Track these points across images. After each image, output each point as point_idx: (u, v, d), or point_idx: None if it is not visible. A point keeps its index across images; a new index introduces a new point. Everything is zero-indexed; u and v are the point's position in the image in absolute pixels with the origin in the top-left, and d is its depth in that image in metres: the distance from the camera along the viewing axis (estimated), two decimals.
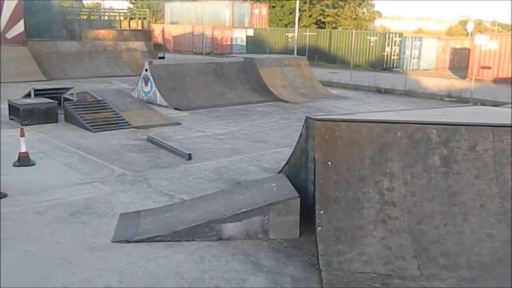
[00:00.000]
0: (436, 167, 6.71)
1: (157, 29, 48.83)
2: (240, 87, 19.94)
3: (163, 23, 56.81)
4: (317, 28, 50.07)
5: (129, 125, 13.82)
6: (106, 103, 14.66)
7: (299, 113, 16.46)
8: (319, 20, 55.79)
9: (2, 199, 8.02)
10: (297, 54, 30.33)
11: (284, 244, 6.77)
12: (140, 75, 19.08)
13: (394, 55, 34.69)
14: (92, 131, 13.13)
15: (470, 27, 34.58)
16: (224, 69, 20.28)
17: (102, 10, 45.64)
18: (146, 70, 18.33)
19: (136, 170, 9.99)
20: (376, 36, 35.62)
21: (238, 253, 6.45)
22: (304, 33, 37.73)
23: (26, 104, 14.00)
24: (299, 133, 7.74)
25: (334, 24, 55.07)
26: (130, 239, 6.75)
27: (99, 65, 28.00)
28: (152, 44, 33.20)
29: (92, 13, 42.70)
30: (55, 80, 23.43)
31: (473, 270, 5.92)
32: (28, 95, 15.29)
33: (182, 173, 9.89)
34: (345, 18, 55.99)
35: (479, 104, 18.29)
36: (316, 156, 6.97)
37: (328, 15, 55.64)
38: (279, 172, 8.55)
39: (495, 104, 17.24)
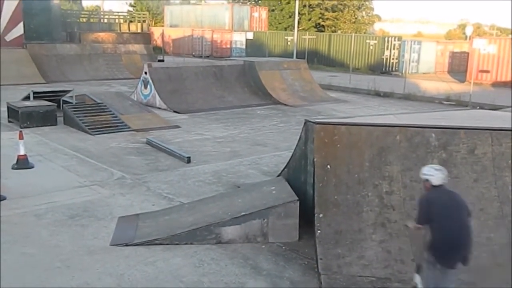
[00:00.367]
0: None
1: (156, 32, 48.84)
2: (240, 90, 19.95)
3: (162, 26, 56.79)
4: (316, 31, 50.06)
5: (128, 128, 13.82)
6: (105, 106, 14.66)
7: (298, 116, 16.47)
8: (319, 24, 55.82)
9: (1, 202, 8.01)
10: (297, 57, 30.34)
11: (283, 247, 6.76)
12: (139, 78, 19.09)
13: (393, 58, 34.72)
14: (91, 134, 13.12)
15: (469, 30, 34.55)
16: (224, 72, 20.29)
17: (102, 13, 45.73)
18: (146, 73, 18.33)
19: (135, 173, 9.98)
20: (375, 39, 35.66)
21: (237, 257, 6.44)
22: (304, 37, 37.76)
23: (25, 107, 13.99)
24: (298, 137, 7.74)
25: (333, 28, 55.11)
26: (129, 242, 6.74)
27: (99, 67, 28.00)
28: (152, 47, 33.22)
29: (92, 16, 42.74)
30: (54, 82, 23.39)
31: (472, 274, 5.91)
32: (27, 98, 15.29)
33: (181, 176, 9.88)
34: (345, 22, 56.04)
35: (478, 107, 18.32)
36: (315, 159, 6.97)
37: (327, 19, 55.68)
38: (278, 176, 8.54)
39: (494, 107, 17.25)
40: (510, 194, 6.51)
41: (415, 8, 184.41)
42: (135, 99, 17.63)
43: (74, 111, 14.13)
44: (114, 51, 29.45)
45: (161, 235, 6.84)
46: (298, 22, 38.08)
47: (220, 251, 6.56)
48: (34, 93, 15.33)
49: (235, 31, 47.88)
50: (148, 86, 18.20)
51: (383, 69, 34.16)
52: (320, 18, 55.58)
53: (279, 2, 56.26)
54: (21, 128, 12.91)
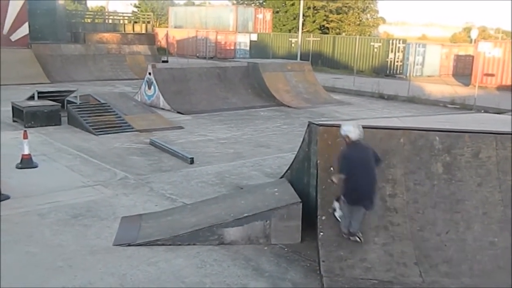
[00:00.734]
0: (438, 174, 6.70)
1: (161, 33, 48.93)
2: (243, 92, 19.95)
3: (167, 27, 56.91)
4: (320, 33, 50.09)
5: (132, 128, 13.84)
6: (109, 106, 14.69)
7: (302, 118, 16.46)
8: (323, 26, 55.84)
9: (4, 201, 8.03)
10: (301, 59, 30.35)
11: (286, 249, 6.75)
12: (143, 79, 19.12)
13: (397, 61, 34.68)
14: (95, 134, 13.15)
15: (474, 34, 34.53)
16: (227, 74, 20.30)
17: (107, 14, 45.83)
18: (150, 73, 18.35)
19: (138, 174, 9.99)
20: (380, 42, 35.63)
21: (239, 258, 6.44)
22: (308, 39, 37.78)
23: (30, 107, 14.03)
24: (301, 138, 7.74)
25: (337, 30, 55.12)
26: (132, 242, 6.74)
27: (103, 68, 28.07)
28: (156, 48, 33.28)
29: (97, 17, 42.86)
30: (59, 82, 23.46)
31: (475, 277, 5.90)
32: (31, 98, 15.33)
33: (184, 177, 9.89)
34: (349, 24, 56.04)
35: (483, 111, 18.26)
36: (318, 161, 6.97)
37: (332, 21, 55.69)
38: (281, 177, 8.53)
39: (499, 111, 17.21)
40: None
41: (420, 11, 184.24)
42: (139, 100, 17.66)
43: (78, 111, 14.17)
44: (118, 52, 29.53)
45: (163, 236, 6.84)
46: (303, 24, 38.10)
47: (223, 252, 6.56)
48: (39, 93, 15.37)
49: (239, 32, 47.92)
50: (152, 87, 18.22)
51: (387, 72, 34.12)
52: (324, 20, 55.60)
53: (283, 4, 56.31)
54: (26, 127, 12.93)
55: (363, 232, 6.41)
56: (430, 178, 6.69)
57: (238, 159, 11.45)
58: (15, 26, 27.07)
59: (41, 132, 13.16)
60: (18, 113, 14.21)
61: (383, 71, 34.00)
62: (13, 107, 14.48)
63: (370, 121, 8.50)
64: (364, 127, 6.52)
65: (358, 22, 57.19)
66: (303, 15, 37.81)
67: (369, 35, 53.73)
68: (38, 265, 6.11)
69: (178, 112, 17.03)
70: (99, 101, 15.11)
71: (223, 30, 48.65)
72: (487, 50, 25.97)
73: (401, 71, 34.62)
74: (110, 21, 40.64)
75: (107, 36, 30.69)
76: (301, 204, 6.90)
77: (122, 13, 48.94)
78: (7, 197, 8.18)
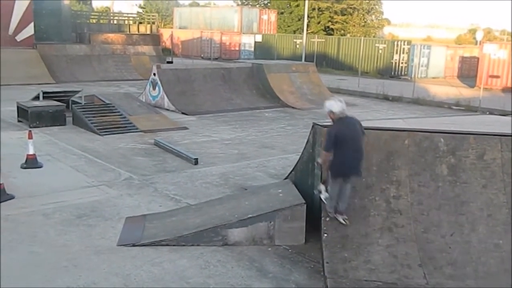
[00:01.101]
0: (443, 175, 6.69)
1: (165, 33, 49.04)
2: (248, 93, 19.96)
3: (171, 27, 57.05)
4: (325, 34, 50.10)
5: (137, 129, 13.86)
6: (114, 106, 14.72)
7: (306, 119, 16.44)
8: (328, 27, 55.84)
9: (9, 201, 8.06)
10: (305, 60, 30.37)
11: (290, 250, 6.75)
12: (148, 79, 19.15)
13: (402, 62, 34.63)
14: (99, 134, 13.18)
15: (479, 35, 34.46)
16: (232, 75, 20.32)
17: (112, 14, 45.88)
18: (154, 74, 18.38)
19: (143, 174, 10.01)
20: (385, 43, 35.59)
21: (243, 259, 6.44)
22: (313, 40, 37.77)
23: (35, 107, 14.08)
24: (306, 140, 7.73)
25: (342, 31, 55.11)
26: (136, 242, 6.75)
27: (108, 68, 28.14)
28: (161, 49, 33.33)
29: (102, 17, 42.95)
30: (64, 83, 23.54)
31: (480, 280, 5.88)
32: (36, 98, 15.38)
33: (188, 178, 9.90)
34: (354, 25, 56.02)
35: (488, 113, 18.23)
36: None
37: (336, 22, 55.68)
38: (285, 178, 8.53)
39: (504, 113, 17.15)
40: None
41: (425, 13, 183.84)
42: (144, 100, 17.69)
43: (83, 111, 14.20)
44: (123, 52, 29.60)
45: (167, 236, 6.85)
46: (307, 25, 38.12)
47: (227, 253, 6.56)
48: (44, 93, 15.43)
49: (244, 33, 47.99)
50: (157, 88, 18.25)
51: (392, 73, 34.07)
52: (329, 21, 55.61)
53: (288, 5, 56.32)
54: (31, 127, 12.98)
55: (366, 233, 6.40)
56: (435, 180, 6.67)
57: (243, 160, 11.45)
58: (20, 27, 27.16)
59: (46, 132, 13.20)
60: (23, 113, 14.26)
61: (388, 72, 33.96)
62: (18, 107, 14.53)
63: (375, 123, 8.49)
64: (369, 129, 6.51)
65: (363, 24, 57.18)
66: (308, 16, 37.82)
67: (373, 37, 53.67)
68: (43, 265, 6.12)
69: (183, 113, 17.05)
70: (103, 101, 15.14)
71: (227, 31, 48.74)
72: (492, 52, 25.90)
73: (405, 73, 34.57)
74: (115, 21, 40.71)
75: (112, 36, 30.76)
76: (305, 205, 6.90)
77: (127, 13, 49.05)
78: (12, 197, 8.21)
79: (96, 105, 14.96)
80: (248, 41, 45.96)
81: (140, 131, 13.75)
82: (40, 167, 10.13)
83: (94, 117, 13.98)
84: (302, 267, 6.34)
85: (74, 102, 15.21)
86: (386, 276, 5.90)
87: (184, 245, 6.70)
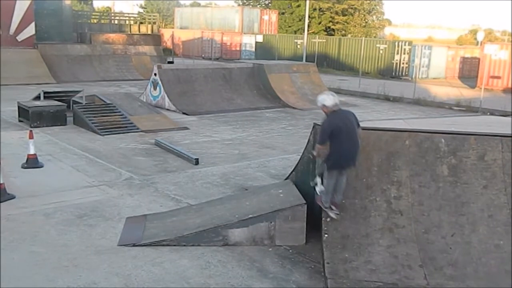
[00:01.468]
0: (444, 176, 6.69)
1: (166, 33, 49.08)
2: (249, 93, 19.97)
3: (172, 27, 57.07)
4: (326, 35, 50.10)
5: (137, 129, 13.87)
6: (114, 106, 14.73)
7: (307, 119, 16.45)
8: (329, 27, 55.83)
9: (10, 201, 8.06)
10: (306, 60, 30.36)
11: (290, 250, 6.75)
12: (149, 79, 19.16)
13: (403, 63, 34.63)
14: (100, 134, 13.18)
15: (480, 36, 34.40)
16: (233, 75, 20.32)
17: (113, 14, 45.93)
18: (155, 74, 18.39)
19: (144, 174, 10.01)
20: (386, 44, 35.59)
21: (244, 259, 6.44)
22: (313, 40, 37.78)
23: (36, 107, 14.08)
24: (306, 140, 7.73)
25: (343, 31, 55.10)
26: (136, 243, 6.76)
27: (109, 68, 28.15)
28: (162, 49, 33.35)
29: (103, 17, 42.96)
30: (65, 83, 23.57)
31: (480, 280, 5.87)
32: (37, 98, 15.39)
33: (189, 178, 9.90)
34: (355, 26, 56.01)
35: (489, 113, 18.22)
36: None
37: (337, 22, 55.67)
38: (286, 179, 8.53)
39: (505, 114, 17.14)
40: None
41: (426, 13, 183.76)
42: (144, 100, 17.69)
43: (84, 111, 14.21)
44: (124, 52, 29.61)
45: (168, 236, 6.85)
46: (308, 26, 38.10)
47: (227, 253, 6.56)
48: (45, 93, 15.44)
49: (244, 33, 48.02)
50: (158, 88, 18.26)
51: (393, 74, 34.07)
52: (330, 21, 55.59)
53: (289, 5, 56.32)
54: (31, 127, 12.99)
55: (367, 233, 6.40)
56: (436, 180, 6.67)
57: (243, 160, 11.45)
58: (21, 26, 27.19)
59: (47, 132, 13.21)
60: (24, 113, 14.27)
61: (389, 73, 33.96)
62: (19, 107, 14.53)
63: (375, 123, 8.49)
64: (369, 129, 6.50)
65: (364, 24, 57.16)
66: (309, 16, 37.81)
67: (374, 37, 53.66)
68: (43, 264, 6.13)
69: (183, 113, 17.06)
70: (104, 101, 15.15)
71: (228, 31, 48.76)
72: (493, 53, 25.89)
73: (406, 73, 34.56)
74: (116, 21, 40.74)
75: (113, 36, 30.78)
76: (305, 205, 6.90)
77: (128, 13, 49.13)
78: (13, 197, 8.21)
79: (97, 105, 14.97)
80: (249, 41, 46.00)
81: (141, 131, 13.76)
82: (41, 167, 10.13)
83: (95, 117, 13.99)
84: (303, 268, 6.34)
85: (75, 102, 15.23)
86: (387, 276, 5.90)
87: (184, 245, 6.70)
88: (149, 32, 37.82)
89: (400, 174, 6.75)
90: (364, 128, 7.10)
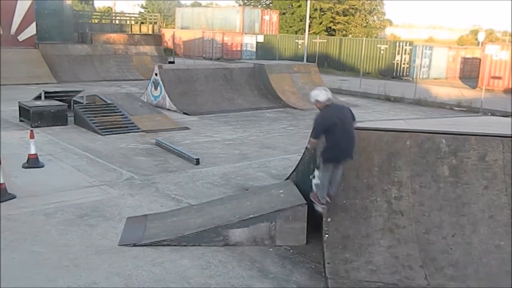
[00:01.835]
0: (445, 176, 6.68)
1: (167, 33, 49.08)
2: (249, 93, 19.96)
3: (173, 27, 57.07)
4: (327, 35, 50.09)
5: (138, 129, 13.87)
6: (115, 106, 14.73)
7: (307, 120, 16.42)
8: (330, 28, 55.83)
9: (11, 201, 8.07)
10: (307, 61, 30.33)
11: (291, 251, 6.75)
12: (149, 79, 19.17)
13: (404, 63, 34.62)
14: (101, 134, 13.19)
15: (481, 36, 34.36)
16: (234, 75, 20.32)
17: (113, 14, 45.98)
18: (156, 74, 18.39)
19: (144, 174, 10.02)
20: (386, 44, 35.58)
21: (245, 259, 6.44)
22: (314, 40, 37.79)
23: (36, 106, 14.09)
24: (307, 140, 7.72)
25: (344, 32, 55.10)
26: (137, 243, 6.76)
27: (110, 68, 28.15)
28: (162, 49, 33.34)
29: (104, 17, 43.00)
30: (66, 83, 23.56)
31: (481, 281, 5.87)
32: (38, 98, 15.40)
33: (190, 178, 9.90)
34: (356, 26, 56.01)
35: (489, 114, 18.21)
36: None
37: (338, 23, 55.67)
38: (287, 179, 8.53)
39: (506, 114, 17.13)
40: None
41: (427, 14, 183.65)
42: (145, 100, 17.69)
43: (85, 111, 14.21)
44: (125, 52, 29.60)
45: (169, 236, 6.85)
46: (309, 26, 38.09)
47: (228, 253, 6.57)
48: (46, 93, 15.44)
49: (245, 33, 48.01)
50: (158, 88, 18.26)
51: (394, 74, 34.07)
52: (331, 22, 55.60)
53: (290, 6, 56.34)
54: (32, 127, 12.99)
55: (368, 234, 6.39)
56: (436, 181, 6.67)
57: (244, 160, 11.45)
58: (22, 26, 27.21)
59: (48, 132, 13.21)
60: (25, 113, 14.27)
61: (390, 73, 33.95)
62: (20, 107, 14.54)
63: (376, 123, 8.49)
64: (370, 130, 6.50)
65: (364, 24, 57.18)
66: (310, 16, 37.79)
67: (375, 37, 53.67)
68: (44, 264, 6.13)
69: (184, 113, 17.06)
70: (105, 101, 15.15)
71: (229, 31, 48.77)
72: (494, 53, 25.90)
73: (407, 73, 34.56)
74: (117, 21, 40.78)
75: (113, 36, 30.79)
76: (306, 205, 6.89)
77: (129, 13, 49.17)
78: (13, 197, 8.22)
79: (98, 105, 14.97)
80: (250, 42, 46.01)
81: (142, 131, 13.76)
82: (42, 166, 10.13)
83: (95, 117, 13.99)
84: (303, 268, 6.34)
85: (76, 102, 15.23)
86: (387, 277, 5.90)
87: (185, 245, 6.70)
88: (150, 32, 37.86)
89: (401, 174, 6.75)
90: (365, 129, 7.11)
